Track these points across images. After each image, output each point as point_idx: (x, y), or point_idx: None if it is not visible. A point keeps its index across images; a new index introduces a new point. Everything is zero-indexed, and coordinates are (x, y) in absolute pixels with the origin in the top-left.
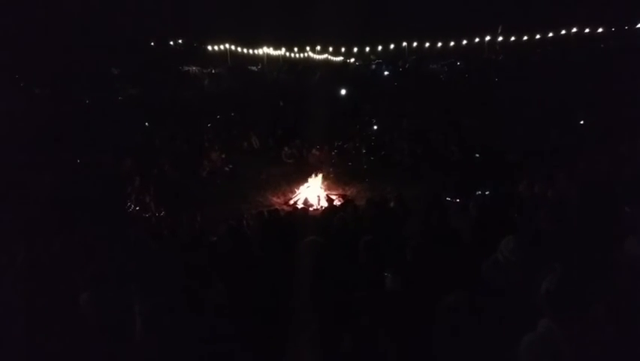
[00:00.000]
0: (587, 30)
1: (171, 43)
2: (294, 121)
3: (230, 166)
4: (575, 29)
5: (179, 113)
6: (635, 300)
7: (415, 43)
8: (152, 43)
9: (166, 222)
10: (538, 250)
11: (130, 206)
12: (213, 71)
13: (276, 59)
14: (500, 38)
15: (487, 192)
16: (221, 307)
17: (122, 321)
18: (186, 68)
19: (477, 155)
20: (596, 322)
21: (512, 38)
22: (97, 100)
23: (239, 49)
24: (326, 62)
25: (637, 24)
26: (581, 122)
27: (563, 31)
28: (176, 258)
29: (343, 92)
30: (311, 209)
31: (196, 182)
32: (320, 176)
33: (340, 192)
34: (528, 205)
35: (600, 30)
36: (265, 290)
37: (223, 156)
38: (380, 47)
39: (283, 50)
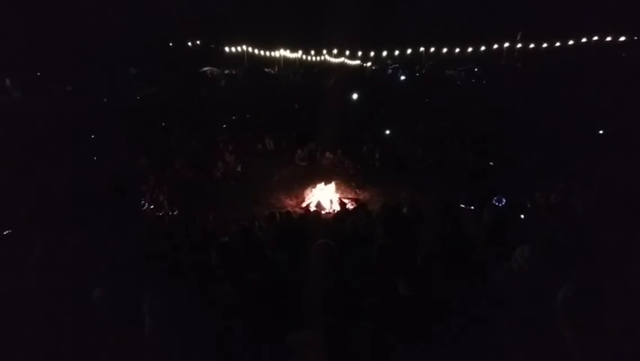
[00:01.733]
0: (608, 38)
1: (189, 44)
2: (308, 124)
3: (241, 166)
4: (595, 37)
5: (195, 114)
6: None
7: (432, 49)
8: (170, 44)
9: (179, 222)
10: (553, 260)
11: (144, 204)
12: (230, 72)
13: (293, 61)
14: (519, 45)
15: (501, 200)
16: (231, 308)
17: (134, 317)
18: (203, 69)
19: (492, 162)
20: (610, 331)
21: (531, 45)
22: (114, 99)
23: (256, 51)
24: (342, 65)
25: None
26: (600, 131)
27: (584, 39)
28: (187, 257)
29: (359, 96)
30: (323, 212)
31: (210, 182)
32: (332, 179)
33: (353, 196)
34: (544, 214)
35: (622, 39)
36: (276, 292)
37: (237, 156)
38: (397, 52)
39: (300, 52)
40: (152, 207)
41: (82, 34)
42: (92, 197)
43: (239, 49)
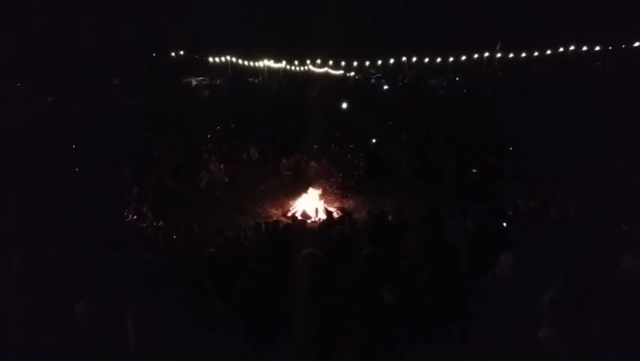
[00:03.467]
0: (584, 48)
1: (173, 54)
2: (293, 133)
3: (227, 176)
4: (572, 47)
5: (179, 124)
6: (630, 317)
7: (414, 58)
8: (154, 54)
9: (163, 233)
10: (536, 266)
11: (128, 216)
12: (213, 82)
13: (277, 71)
14: (499, 55)
15: (484, 207)
16: (219, 322)
17: (117, 332)
18: (187, 79)
19: (474, 170)
20: (594, 335)
21: (511, 55)
22: (97, 110)
23: (240, 61)
24: (326, 75)
25: (634, 43)
26: (579, 138)
27: (561, 49)
28: (172, 269)
29: (343, 105)
30: (309, 221)
31: (194, 193)
32: (317, 188)
33: (338, 204)
34: (525, 221)
35: (598, 48)
36: (262, 302)
37: (222, 166)
38: (380, 62)
39: (284, 62)
40: (135, 218)
41: (64, 45)
42: (75, 209)
43: (222, 59)
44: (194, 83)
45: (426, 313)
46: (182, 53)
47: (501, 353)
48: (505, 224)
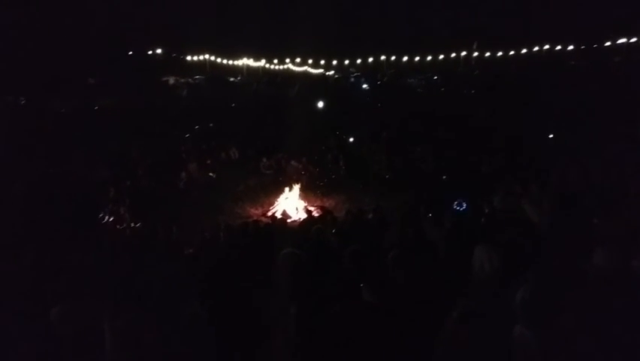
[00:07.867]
0: (558, 47)
1: (150, 52)
2: (272, 132)
3: (209, 173)
4: (547, 46)
5: (157, 124)
6: (602, 311)
7: (393, 57)
8: (130, 53)
9: (141, 235)
10: (516, 262)
11: (104, 217)
12: (192, 81)
13: (256, 70)
14: (476, 54)
15: (462, 204)
16: (197, 325)
17: (94, 337)
18: (165, 78)
19: (452, 168)
20: (566, 331)
21: (487, 54)
22: (73, 109)
23: (218, 59)
24: (305, 74)
25: (605, 43)
26: (550, 135)
27: (536, 48)
28: (150, 272)
29: (322, 104)
30: (289, 220)
31: (173, 193)
32: (298, 187)
33: (319, 203)
34: (501, 218)
35: (571, 47)
36: (242, 302)
37: (201, 166)
38: (359, 61)
39: (263, 61)
40: (112, 219)
41: (38, 43)
42: (50, 210)
43: (201, 57)
44: (171, 81)
45: (403, 309)
46: (159, 51)
47: (480, 349)
48: (482, 220)
